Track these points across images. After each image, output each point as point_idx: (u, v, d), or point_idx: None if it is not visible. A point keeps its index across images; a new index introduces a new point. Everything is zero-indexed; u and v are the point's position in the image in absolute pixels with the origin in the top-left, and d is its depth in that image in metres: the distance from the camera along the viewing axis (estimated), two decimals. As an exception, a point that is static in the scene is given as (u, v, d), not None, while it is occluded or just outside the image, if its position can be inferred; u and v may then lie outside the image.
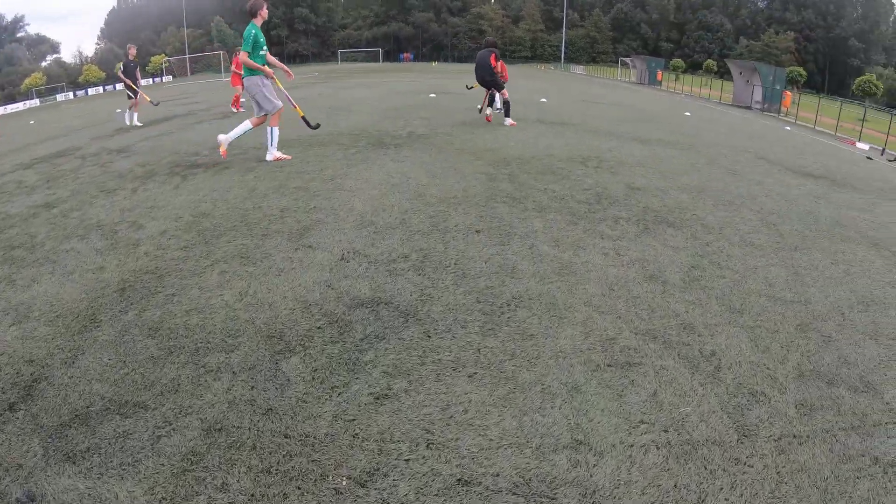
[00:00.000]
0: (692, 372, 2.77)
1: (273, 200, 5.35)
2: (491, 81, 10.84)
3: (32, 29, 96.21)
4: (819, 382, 2.78)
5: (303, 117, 7.70)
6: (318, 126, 8.16)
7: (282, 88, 7.43)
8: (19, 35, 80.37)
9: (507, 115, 11.05)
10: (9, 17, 79.80)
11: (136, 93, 12.90)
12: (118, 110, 17.96)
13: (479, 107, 13.61)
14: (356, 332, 3.00)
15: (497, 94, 11.59)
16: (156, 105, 15.19)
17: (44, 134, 14.05)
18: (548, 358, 2.81)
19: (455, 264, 3.86)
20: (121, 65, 13.52)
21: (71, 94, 56.12)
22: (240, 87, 14.64)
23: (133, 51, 13.26)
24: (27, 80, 64.49)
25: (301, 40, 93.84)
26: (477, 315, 3.18)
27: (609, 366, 2.77)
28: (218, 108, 15.38)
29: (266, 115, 7.05)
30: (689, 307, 3.42)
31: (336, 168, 6.65)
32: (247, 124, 7.12)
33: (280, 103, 7.02)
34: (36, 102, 50.77)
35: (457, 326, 3.06)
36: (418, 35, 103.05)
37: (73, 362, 2.80)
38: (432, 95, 17.35)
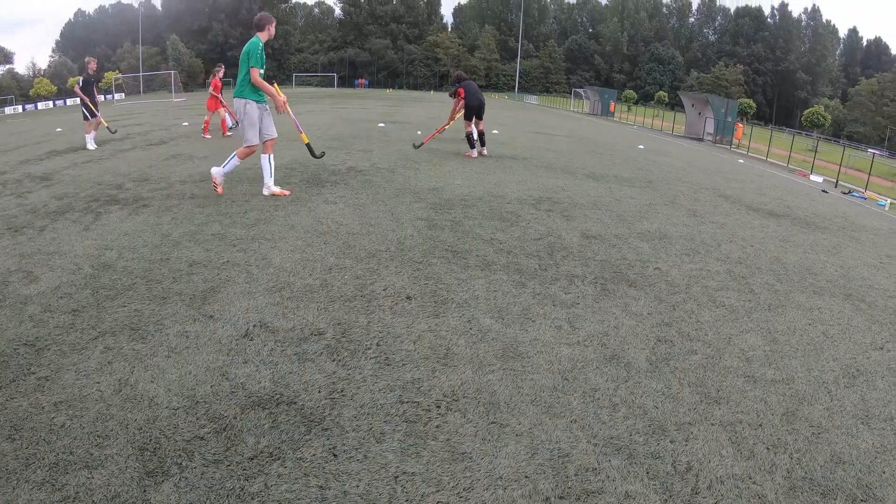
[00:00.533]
0: (665, 499, 2.20)
1: (184, 250, 4.67)
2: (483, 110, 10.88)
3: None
4: (813, 496, 2.30)
5: (307, 145, 7.41)
6: (322, 155, 7.80)
7: (290, 114, 6.83)
8: (-29, 43, 77.41)
9: (471, 147, 11.04)
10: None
11: (93, 113, 11.50)
12: (58, 129, 16.86)
13: (467, 137, 13.43)
14: (246, 447, 2.34)
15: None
16: (113, 133, 13.84)
17: (-24, 153, 12.89)
18: (483, 489, 2.17)
19: (377, 346, 3.21)
20: (79, 79, 11.91)
21: (20, 108, 53.68)
22: (221, 110, 13.92)
23: (93, 65, 11.81)
24: (-23, 93, 62.08)
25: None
26: (398, 423, 2.53)
27: (561, 498, 2.16)
28: (156, 133, 14.41)
29: (272, 139, 6.56)
30: (657, 400, 2.85)
31: (262, 210, 5.98)
32: (265, 159, 6.57)
33: (258, 142, 6.41)
34: (-18, 116, 48.41)
35: (371, 440, 2.40)
36: (374, 61, 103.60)
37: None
38: (381, 125, 16.79)
